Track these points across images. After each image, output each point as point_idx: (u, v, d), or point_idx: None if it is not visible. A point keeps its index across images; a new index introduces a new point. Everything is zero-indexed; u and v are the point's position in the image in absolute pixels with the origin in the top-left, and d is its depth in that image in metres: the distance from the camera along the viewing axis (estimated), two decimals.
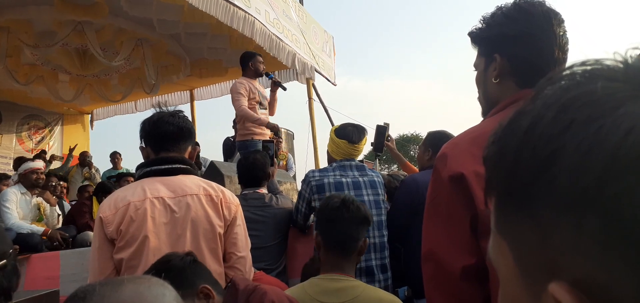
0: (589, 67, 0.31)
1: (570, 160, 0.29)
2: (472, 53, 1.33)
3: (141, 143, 1.94)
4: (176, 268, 1.45)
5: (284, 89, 5.08)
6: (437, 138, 3.05)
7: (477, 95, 1.34)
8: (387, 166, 31.04)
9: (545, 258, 0.32)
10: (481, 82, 1.29)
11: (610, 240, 0.27)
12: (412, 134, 39.50)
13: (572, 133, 0.29)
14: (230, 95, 4.71)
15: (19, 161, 5.04)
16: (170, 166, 1.87)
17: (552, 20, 1.14)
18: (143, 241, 1.73)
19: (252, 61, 4.75)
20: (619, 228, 0.26)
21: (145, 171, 1.89)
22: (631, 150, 0.26)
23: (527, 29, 1.15)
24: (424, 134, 3.34)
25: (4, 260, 1.20)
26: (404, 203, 2.92)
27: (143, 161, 1.96)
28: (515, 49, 1.17)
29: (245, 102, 4.56)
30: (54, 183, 5.85)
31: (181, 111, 1.98)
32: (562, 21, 1.16)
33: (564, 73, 0.33)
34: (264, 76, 4.92)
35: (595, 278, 0.28)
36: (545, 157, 0.31)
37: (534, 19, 1.14)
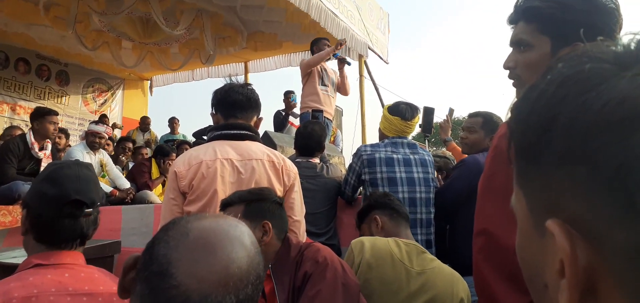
0: (585, 51, 0.41)
1: (563, 124, 0.38)
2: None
3: (212, 110, 2.10)
4: (263, 198, 1.67)
5: (349, 64, 5.53)
6: (496, 120, 3.03)
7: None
8: (435, 148, 30.70)
9: (547, 200, 0.41)
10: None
11: (593, 184, 0.36)
12: (462, 119, 38.59)
13: (566, 103, 0.38)
14: (300, 70, 5.35)
15: (99, 120, 5.44)
16: (238, 131, 2.02)
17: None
18: (212, 196, 1.89)
19: (316, 45, 5.43)
20: (598, 175, 0.36)
21: (216, 134, 2.04)
22: (606, 116, 0.35)
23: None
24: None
25: (97, 206, 1.35)
26: (463, 182, 2.87)
27: (212, 125, 2.12)
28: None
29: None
30: (126, 147, 6.43)
31: (250, 84, 2.14)
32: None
33: (568, 56, 0.42)
34: (332, 57, 5.37)
35: (583, 215, 0.37)
36: (546, 122, 0.40)
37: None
